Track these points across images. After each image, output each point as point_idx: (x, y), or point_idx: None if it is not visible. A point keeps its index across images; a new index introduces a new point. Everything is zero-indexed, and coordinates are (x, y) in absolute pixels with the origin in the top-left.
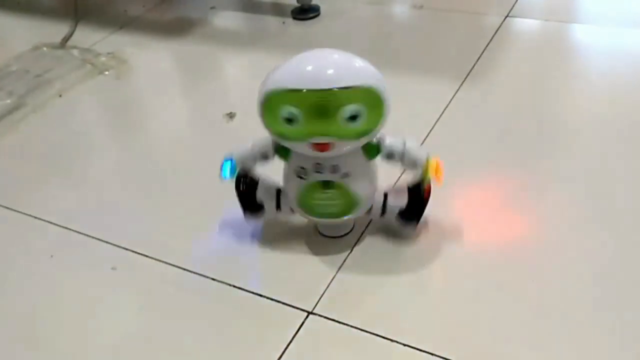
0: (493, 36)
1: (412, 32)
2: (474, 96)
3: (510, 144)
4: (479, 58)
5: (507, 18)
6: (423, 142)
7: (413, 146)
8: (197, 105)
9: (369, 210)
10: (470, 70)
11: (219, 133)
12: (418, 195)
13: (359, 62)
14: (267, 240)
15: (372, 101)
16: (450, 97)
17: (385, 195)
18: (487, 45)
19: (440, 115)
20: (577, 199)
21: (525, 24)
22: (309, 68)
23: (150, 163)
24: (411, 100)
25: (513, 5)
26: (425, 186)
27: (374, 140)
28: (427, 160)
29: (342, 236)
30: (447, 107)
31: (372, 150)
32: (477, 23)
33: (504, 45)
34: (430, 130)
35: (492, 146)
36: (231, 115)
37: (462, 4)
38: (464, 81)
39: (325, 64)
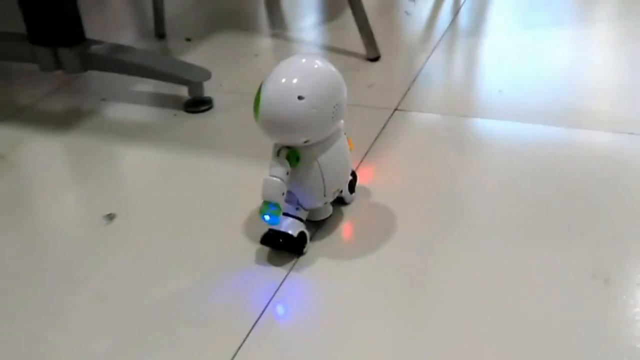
0: (382, 129)
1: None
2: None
3: (400, 237)
4: (367, 152)
5: (396, 111)
6: (311, 238)
7: None
8: (77, 205)
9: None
10: (360, 163)
11: (96, 236)
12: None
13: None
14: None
15: None
16: None
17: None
18: (375, 139)
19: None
20: (471, 289)
21: (414, 117)
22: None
23: (22, 269)
24: None
25: (401, 99)
26: None
27: None
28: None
29: (325, 220)
30: None
31: None
32: (367, 117)
33: (393, 138)
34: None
35: (382, 239)
36: (111, 217)
37: (349, 97)
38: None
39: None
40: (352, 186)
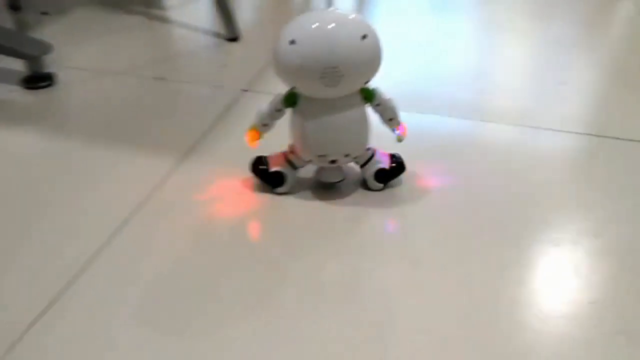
0: (228, 110)
1: (149, 104)
2: (194, 172)
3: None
4: (206, 132)
5: (246, 92)
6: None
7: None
8: None
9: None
10: (193, 147)
11: None
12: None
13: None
14: None
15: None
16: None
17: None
18: (218, 119)
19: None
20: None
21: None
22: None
23: None
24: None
25: (253, 80)
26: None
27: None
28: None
29: (339, 182)
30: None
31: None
32: (213, 96)
33: (237, 119)
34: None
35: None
36: None
37: (200, 76)
38: (184, 157)
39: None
40: (380, 176)
